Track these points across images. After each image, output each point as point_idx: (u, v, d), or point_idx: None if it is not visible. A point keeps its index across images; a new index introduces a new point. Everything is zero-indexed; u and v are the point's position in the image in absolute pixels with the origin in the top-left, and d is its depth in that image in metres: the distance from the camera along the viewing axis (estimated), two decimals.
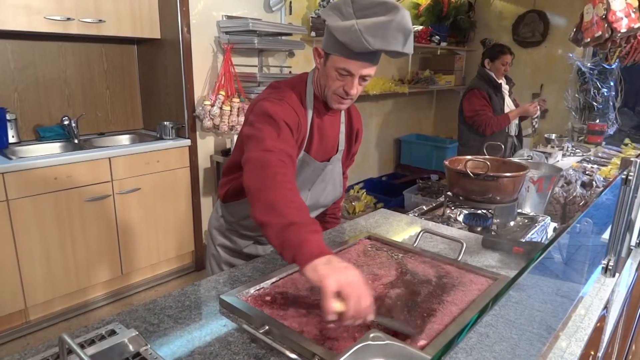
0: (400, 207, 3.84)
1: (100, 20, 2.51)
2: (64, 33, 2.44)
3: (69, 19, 2.39)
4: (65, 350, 0.63)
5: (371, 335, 0.63)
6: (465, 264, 1.15)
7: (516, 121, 3.16)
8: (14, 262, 2.18)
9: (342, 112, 1.38)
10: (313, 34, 3.47)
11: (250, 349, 0.79)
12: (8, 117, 2.47)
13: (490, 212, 1.56)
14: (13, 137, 2.51)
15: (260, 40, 2.86)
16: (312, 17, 3.46)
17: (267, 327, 0.81)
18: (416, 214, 1.70)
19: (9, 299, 2.21)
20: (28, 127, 2.65)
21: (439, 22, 4.70)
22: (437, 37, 4.54)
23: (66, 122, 2.67)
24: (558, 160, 2.90)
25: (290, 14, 3.37)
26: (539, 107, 3.01)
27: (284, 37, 3.21)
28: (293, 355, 0.74)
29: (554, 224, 1.78)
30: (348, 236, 1.37)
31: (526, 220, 1.69)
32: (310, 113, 1.27)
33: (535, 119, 3.03)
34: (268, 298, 0.95)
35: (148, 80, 3.09)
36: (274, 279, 1.03)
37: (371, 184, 4.43)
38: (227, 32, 2.92)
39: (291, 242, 0.83)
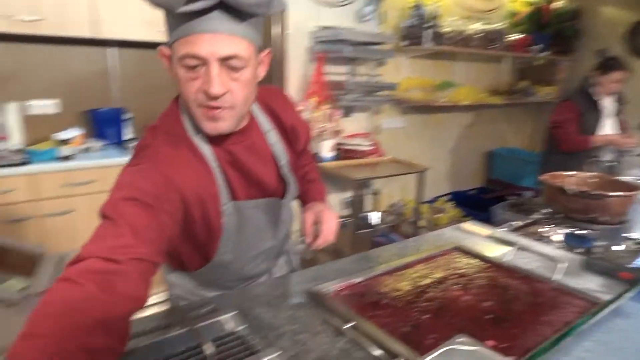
0: (488, 223, 3.66)
1: None
2: None
3: None
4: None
5: (459, 339, 0.63)
6: (563, 285, 1.08)
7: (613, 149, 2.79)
8: None
9: (260, 117, 0.98)
10: (406, 42, 3.46)
11: (335, 341, 0.82)
12: (126, 116, 2.77)
13: (593, 233, 1.45)
14: (130, 134, 2.82)
15: (350, 49, 2.92)
16: (403, 25, 3.46)
17: (353, 323, 0.84)
18: (507, 230, 1.62)
19: None
20: (141, 126, 2.96)
21: (539, 30, 4.43)
22: (537, 46, 4.28)
23: None
24: None
25: (383, 23, 3.40)
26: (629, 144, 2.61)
27: (374, 46, 3.25)
28: (377, 352, 0.75)
29: None
30: (434, 245, 1.35)
31: (636, 246, 1.54)
32: (205, 150, 0.88)
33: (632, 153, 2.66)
34: (355, 296, 0.98)
35: None
36: (360, 279, 1.05)
37: (458, 197, 4.28)
38: (319, 42, 3.02)
39: None
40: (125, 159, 2.30)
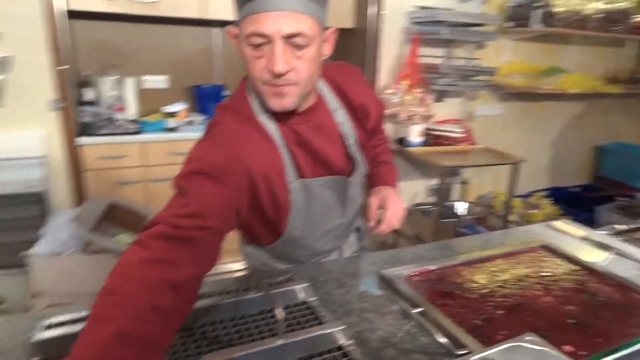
0: (590, 223, 3.35)
1: None
2: None
3: None
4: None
5: (527, 337, 0.61)
6: None
7: None
8: None
9: (328, 96, 0.98)
10: (511, 23, 3.22)
11: (402, 324, 0.83)
12: (226, 93, 2.96)
13: None
14: None
15: (447, 31, 2.79)
16: (509, 5, 3.22)
17: (422, 309, 0.84)
18: (608, 233, 1.48)
19: None
20: None
21: None
22: None
23: None
24: None
25: (487, 2, 3.19)
26: None
27: (475, 28, 3.07)
28: (443, 340, 0.75)
29: None
30: (520, 241, 1.28)
31: None
32: (272, 128, 0.91)
33: None
34: (428, 282, 0.98)
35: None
36: (435, 266, 1.05)
37: (558, 194, 3.96)
38: (416, 22, 2.93)
39: None
40: None
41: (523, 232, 1.37)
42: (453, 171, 3.26)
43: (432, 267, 1.04)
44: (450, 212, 3.10)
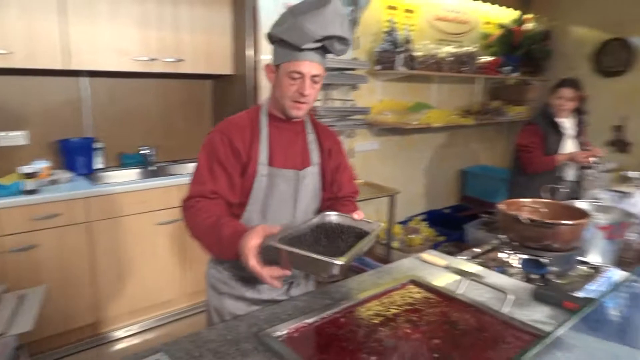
0: (461, 241, 3.72)
1: (180, 60, 2.77)
2: (149, 72, 2.72)
3: (153, 59, 2.66)
4: None
5: None
6: (510, 318, 1.12)
7: (576, 166, 2.87)
8: (91, 278, 2.41)
9: (308, 127, 1.43)
10: (378, 67, 3.54)
11: None
12: (97, 145, 2.77)
13: (546, 260, 1.49)
14: (101, 163, 2.81)
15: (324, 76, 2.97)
16: (377, 50, 3.54)
17: None
18: (468, 257, 1.66)
19: (84, 312, 2.44)
20: (113, 155, 2.95)
21: (510, 52, 4.57)
22: (507, 67, 4.41)
23: (145, 151, 2.94)
24: (637, 201, 2.66)
25: (356, 48, 3.47)
26: (590, 161, 2.71)
27: (348, 72, 3.31)
28: None
29: (625, 274, 1.65)
30: (392, 278, 1.38)
31: (589, 270, 1.59)
32: (264, 125, 1.34)
33: (596, 169, 2.74)
34: (305, 339, 1.00)
35: (220, 112, 3.32)
36: (313, 319, 1.07)
37: (433, 216, 4.34)
38: None
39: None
40: (95, 189, 2.32)
41: (395, 268, 1.48)
42: None
43: (310, 321, 1.06)
44: None
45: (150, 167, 2.96)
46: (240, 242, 1.05)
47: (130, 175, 2.86)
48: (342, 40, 1.24)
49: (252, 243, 1.03)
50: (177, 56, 2.76)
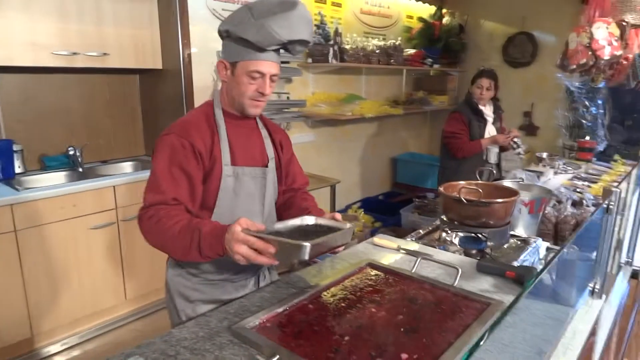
0: (398, 225, 3.91)
1: (104, 54, 2.61)
2: (71, 67, 2.53)
3: (74, 53, 2.48)
4: None
5: None
6: (461, 290, 1.22)
7: (496, 149, 3.14)
8: (21, 290, 2.23)
9: (260, 125, 1.44)
10: (310, 60, 3.58)
11: None
12: (14, 148, 2.53)
13: (484, 236, 1.64)
14: (19, 167, 2.58)
15: None
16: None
17: (277, 357, 0.87)
18: (413, 238, 1.77)
19: (16, 328, 2.25)
20: (34, 157, 2.72)
21: (430, 44, 4.85)
22: (429, 59, 4.67)
23: (71, 152, 2.74)
24: (550, 179, 2.98)
25: None
26: (511, 141, 2.97)
27: (283, 65, 3.32)
28: None
29: (546, 244, 1.85)
30: (349, 263, 1.44)
31: (519, 242, 1.77)
32: (222, 124, 1.32)
33: (517, 149, 3.02)
34: (277, 327, 1.02)
35: (150, 108, 3.18)
36: (282, 308, 1.09)
37: (368, 203, 4.50)
38: None
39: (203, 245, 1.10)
40: (20, 195, 2.13)
41: (351, 254, 1.54)
42: None
43: (280, 310, 1.08)
44: None
45: (79, 169, 2.76)
46: (226, 235, 1.05)
47: (57, 178, 2.66)
48: (304, 43, 1.25)
49: (239, 229, 1.03)
50: (101, 50, 2.60)
